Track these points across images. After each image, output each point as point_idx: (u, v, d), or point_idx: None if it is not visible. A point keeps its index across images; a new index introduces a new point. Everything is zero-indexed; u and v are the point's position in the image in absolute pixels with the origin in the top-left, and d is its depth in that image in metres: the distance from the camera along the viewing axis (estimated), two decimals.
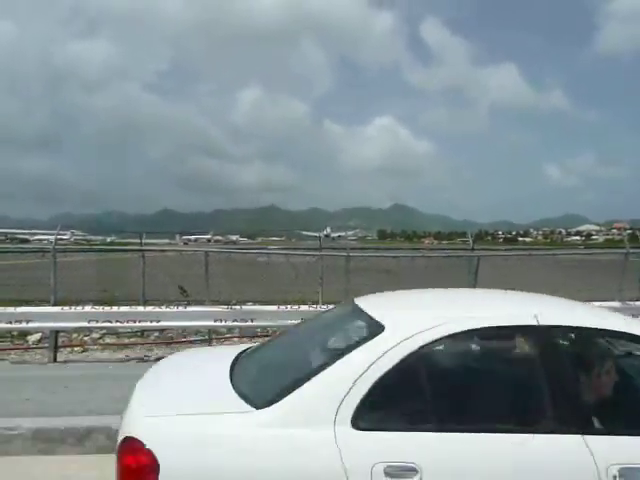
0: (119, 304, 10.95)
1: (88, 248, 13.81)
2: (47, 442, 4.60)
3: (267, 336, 11.68)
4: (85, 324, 9.41)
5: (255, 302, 13.27)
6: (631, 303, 10.65)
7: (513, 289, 4.39)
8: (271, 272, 14.32)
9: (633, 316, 10.28)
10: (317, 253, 12.28)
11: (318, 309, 10.08)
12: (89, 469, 4.33)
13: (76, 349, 10.69)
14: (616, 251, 12.46)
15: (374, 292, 13.53)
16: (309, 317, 9.68)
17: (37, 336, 11.28)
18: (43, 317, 9.36)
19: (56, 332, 9.64)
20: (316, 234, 14.70)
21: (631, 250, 11.43)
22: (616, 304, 10.48)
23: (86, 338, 11.51)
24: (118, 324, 9.50)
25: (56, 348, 9.67)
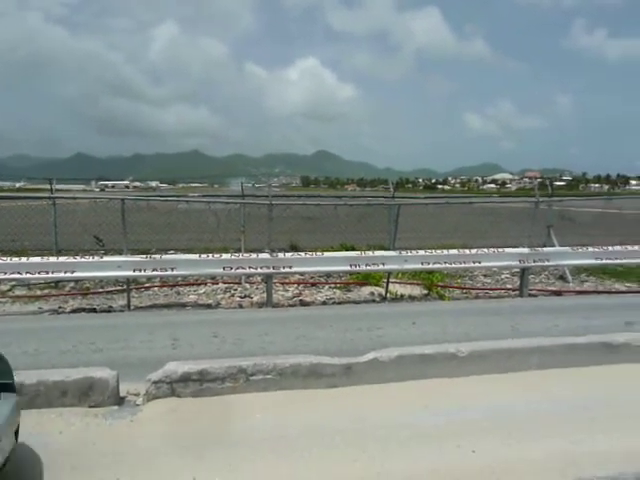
0: (29, 254, 10.39)
1: None
2: None
3: (190, 285, 11.55)
4: None
5: (176, 251, 13.02)
6: (539, 249, 11.29)
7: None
8: (192, 220, 14.03)
9: (540, 260, 11.00)
10: (240, 201, 12.10)
11: (240, 257, 10.02)
12: None
13: None
14: (527, 200, 13.08)
15: (296, 239, 13.56)
16: (231, 265, 9.72)
17: None
18: None
19: None
20: (239, 185, 14.47)
21: (540, 199, 12.03)
22: (525, 250, 11.08)
23: None
24: (29, 275, 9.03)
25: None
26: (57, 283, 11.10)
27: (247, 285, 11.76)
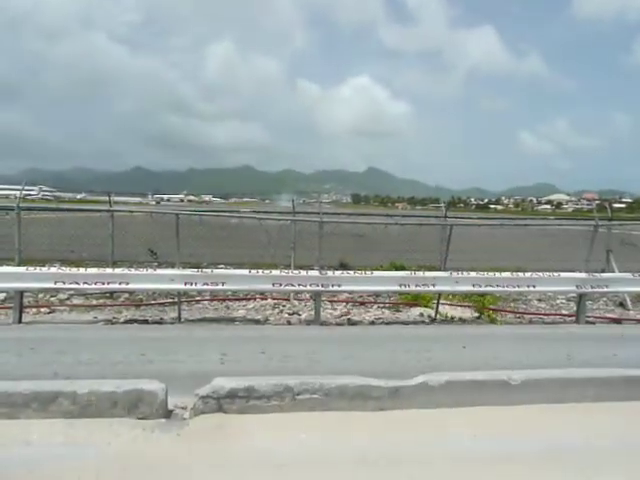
0: (87, 265, 10.73)
1: (55, 207, 13.40)
2: (11, 406, 4.50)
3: (239, 299, 11.66)
4: (51, 285, 9.21)
5: (227, 265, 13.19)
6: (597, 274, 10.87)
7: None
8: (243, 235, 14.19)
9: (598, 286, 10.59)
10: (290, 218, 12.18)
11: (290, 274, 10.06)
12: (54, 434, 4.27)
13: (42, 310, 10.50)
14: (585, 223, 12.66)
15: (346, 257, 13.44)
16: (280, 281, 9.75)
17: (1, 296, 11.04)
18: (7, 277, 9.12)
19: (21, 292, 9.44)
20: (289, 201, 14.52)
21: (600, 222, 11.62)
22: (583, 275, 10.69)
23: (53, 299, 11.30)
24: (86, 285, 9.32)
25: (21, 309, 9.48)
26: (112, 294, 11.42)
27: (295, 302, 11.79)
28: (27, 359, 6.93)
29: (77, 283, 9.25)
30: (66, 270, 9.49)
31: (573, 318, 11.10)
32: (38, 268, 9.42)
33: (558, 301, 13.15)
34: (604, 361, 7.14)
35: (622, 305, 12.56)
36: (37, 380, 5.02)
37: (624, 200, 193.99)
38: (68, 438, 4.23)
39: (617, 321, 11.38)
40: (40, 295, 11.40)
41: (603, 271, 11.59)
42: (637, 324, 11.27)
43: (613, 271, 11.75)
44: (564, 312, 12.07)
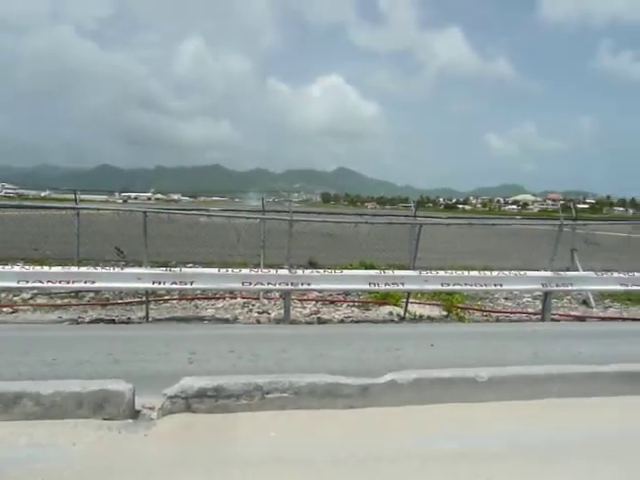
0: (51, 264, 10.51)
1: (17, 204, 13.07)
2: None
3: (208, 299, 11.56)
4: (14, 284, 8.99)
5: (196, 264, 13.06)
6: (562, 273, 11.11)
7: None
8: (213, 234, 14.09)
9: (563, 285, 10.81)
10: (260, 216, 12.14)
11: (259, 273, 10.01)
12: (17, 436, 4.16)
13: (5, 310, 10.23)
14: (551, 222, 12.92)
15: (315, 256, 13.46)
16: (250, 280, 9.70)
17: None
18: None
19: None
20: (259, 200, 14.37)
21: (565, 222, 11.87)
22: (548, 273, 10.91)
23: (16, 298, 11.03)
24: (50, 284, 9.12)
25: None
26: (77, 293, 11.19)
27: (265, 301, 11.74)
28: None
29: (41, 282, 9.05)
30: (30, 269, 9.28)
31: (539, 316, 11.32)
32: (0, 266, 9.18)
33: (524, 299, 13.39)
34: (569, 358, 7.29)
35: (585, 303, 12.86)
36: None
37: (588, 201, 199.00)
38: (31, 440, 4.12)
39: (581, 319, 11.64)
40: (2, 294, 11.12)
41: (568, 270, 11.84)
42: (600, 322, 11.54)
43: (577, 270, 12.01)
44: (530, 310, 12.30)
